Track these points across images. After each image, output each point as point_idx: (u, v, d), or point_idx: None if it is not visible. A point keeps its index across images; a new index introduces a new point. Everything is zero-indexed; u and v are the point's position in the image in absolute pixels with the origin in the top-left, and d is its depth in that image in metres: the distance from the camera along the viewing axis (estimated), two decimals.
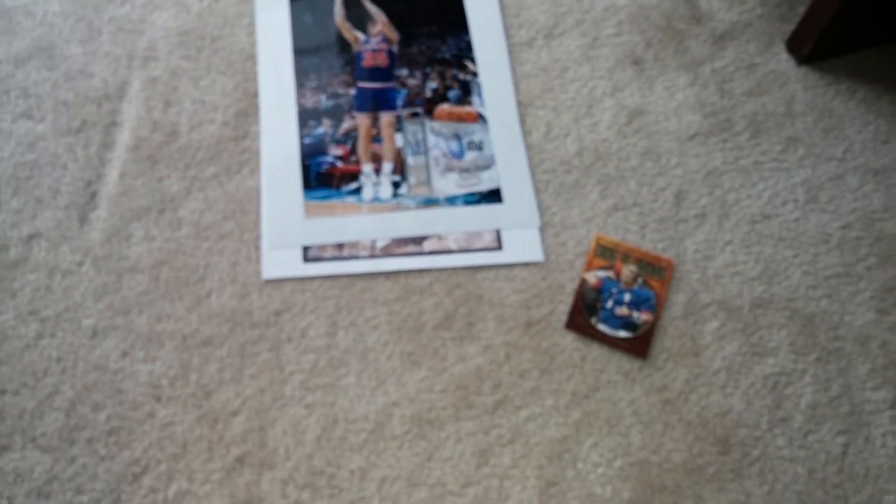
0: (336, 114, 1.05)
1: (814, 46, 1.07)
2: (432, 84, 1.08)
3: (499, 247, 0.98)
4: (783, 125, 1.07)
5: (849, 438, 0.91)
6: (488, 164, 1.03)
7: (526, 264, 0.98)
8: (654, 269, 0.97)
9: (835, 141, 1.06)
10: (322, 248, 0.98)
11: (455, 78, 1.08)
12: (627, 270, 0.97)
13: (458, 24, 1.12)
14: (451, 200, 1.01)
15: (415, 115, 1.06)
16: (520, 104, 1.08)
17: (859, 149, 1.05)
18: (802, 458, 0.90)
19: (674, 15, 1.14)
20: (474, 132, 1.05)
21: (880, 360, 0.94)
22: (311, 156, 1.03)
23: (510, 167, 1.03)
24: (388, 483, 0.87)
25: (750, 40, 1.13)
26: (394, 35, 1.11)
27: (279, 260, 0.97)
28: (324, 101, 1.06)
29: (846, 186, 1.03)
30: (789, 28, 1.13)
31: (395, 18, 1.12)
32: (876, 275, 0.98)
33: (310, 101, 1.06)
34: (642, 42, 1.12)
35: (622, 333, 0.94)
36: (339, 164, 1.02)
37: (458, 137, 1.05)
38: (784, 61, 1.11)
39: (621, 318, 0.95)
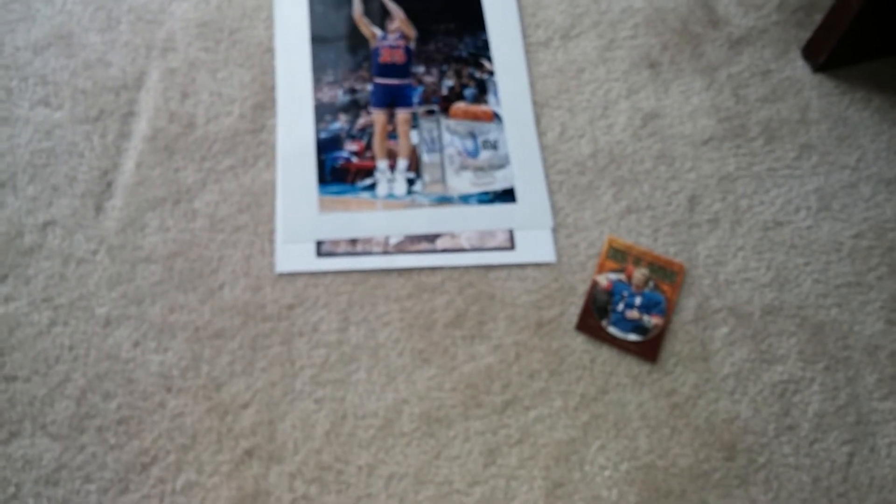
0: (352, 109, 1.06)
1: (830, 54, 1.07)
2: (448, 82, 1.08)
3: (511, 246, 0.98)
4: (797, 132, 1.07)
5: (855, 448, 0.91)
6: (503, 164, 1.03)
7: (538, 265, 0.98)
8: (666, 273, 0.98)
9: (848, 149, 1.06)
10: (335, 243, 0.98)
11: (471, 76, 1.09)
12: (639, 273, 0.98)
13: (475, 22, 1.12)
14: (464, 199, 1.01)
15: (430, 112, 1.06)
16: (535, 104, 1.08)
17: (873, 158, 1.05)
18: (808, 466, 0.90)
19: (690, 18, 1.14)
20: (489, 131, 1.05)
21: (888, 370, 0.94)
22: (326, 150, 1.03)
23: (524, 167, 1.03)
24: (396, 480, 0.88)
25: (766, 46, 1.13)
26: (411, 32, 1.11)
27: (293, 254, 0.97)
28: (340, 96, 1.06)
29: (859, 195, 1.03)
30: (805, 35, 1.13)
31: (412, 15, 1.12)
32: (886, 285, 0.98)
33: (326, 96, 1.06)
34: (658, 45, 1.12)
35: (632, 337, 0.94)
36: (355, 160, 1.03)
37: (473, 136, 1.05)
38: (799, 68, 1.11)
39: (632, 321, 0.95)
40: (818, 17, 1.15)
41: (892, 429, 0.92)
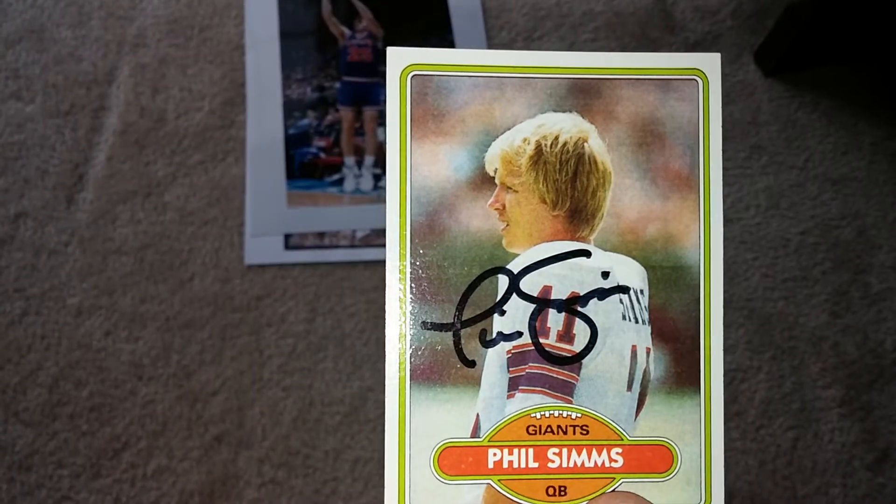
0: (320, 106, 1.08)
1: (780, 60, 1.12)
2: None
3: None
4: (748, 133, 1.11)
5: (799, 433, 0.96)
6: None
7: None
8: None
9: (797, 150, 1.11)
10: (303, 236, 1.01)
11: None
12: None
13: (441, 23, 1.15)
14: None
15: None
16: None
17: (820, 159, 1.10)
18: (754, 450, 0.95)
19: (648, 23, 1.18)
20: None
21: (831, 360, 0.99)
22: (295, 146, 1.06)
23: None
24: (361, 464, 0.91)
25: (720, 51, 1.17)
26: (379, 31, 1.14)
27: (261, 247, 1.00)
28: (309, 93, 1.09)
29: (806, 194, 1.08)
30: (758, 41, 1.17)
31: (380, 15, 1.15)
32: (830, 279, 1.03)
33: (295, 93, 1.09)
34: (618, 49, 1.16)
35: None
36: (323, 156, 1.06)
37: None
38: (752, 72, 1.16)
39: None
40: (770, 24, 1.19)
41: (834, 415, 0.97)
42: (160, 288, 0.97)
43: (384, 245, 0.37)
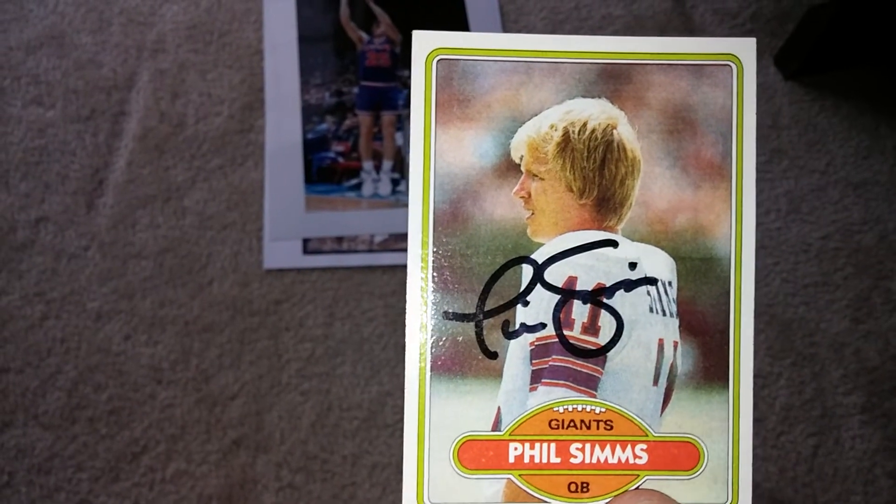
0: (339, 111, 1.09)
1: (801, 63, 1.11)
2: None
3: None
4: (769, 137, 1.11)
5: (820, 440, 0.95)
6: None
7: None
8: None
9: (818, 154, 1.10)
10: (322, 240, 1.01)
11: None
12: None
13: (458, 27, 1.15)
14: None
15: None
16: None
17: (841, 163, 1.09)
18: (775, 457, 0.94)
19: (667, 27, 1.18)
20: None
21: (853, 366, 0.98)
22: (313, 151, 1.06)
23: None
24: (379, 469, 0.91)
25: None
26: (397, 36, 1.14)
27: (280, 251, 1.00)
28: (327, 98, 1.09)
29: (827, 198, 1.07)
30: (778, 44, 1.17)
31: (397, 20, 1.15)
32: (852, 284, 1.02)
33: (314, 98, 1.09)
34: None
35: None
36: (341, 160, 1.06)
37: None
38: (772, 75, 1.15)
39: None
40: (790, 27, 1.19)
41: (855, 422, 0.96)
42: (179, 292, 0.97)
43: (402, 249, 0.36)
